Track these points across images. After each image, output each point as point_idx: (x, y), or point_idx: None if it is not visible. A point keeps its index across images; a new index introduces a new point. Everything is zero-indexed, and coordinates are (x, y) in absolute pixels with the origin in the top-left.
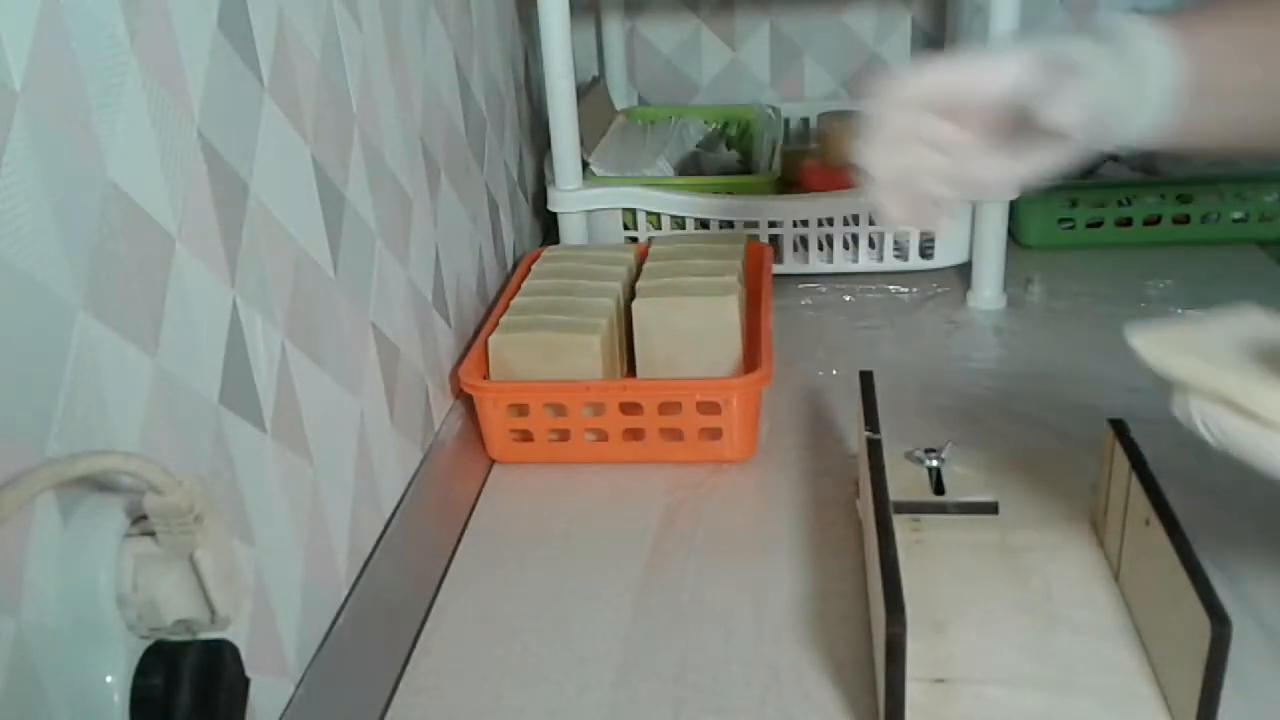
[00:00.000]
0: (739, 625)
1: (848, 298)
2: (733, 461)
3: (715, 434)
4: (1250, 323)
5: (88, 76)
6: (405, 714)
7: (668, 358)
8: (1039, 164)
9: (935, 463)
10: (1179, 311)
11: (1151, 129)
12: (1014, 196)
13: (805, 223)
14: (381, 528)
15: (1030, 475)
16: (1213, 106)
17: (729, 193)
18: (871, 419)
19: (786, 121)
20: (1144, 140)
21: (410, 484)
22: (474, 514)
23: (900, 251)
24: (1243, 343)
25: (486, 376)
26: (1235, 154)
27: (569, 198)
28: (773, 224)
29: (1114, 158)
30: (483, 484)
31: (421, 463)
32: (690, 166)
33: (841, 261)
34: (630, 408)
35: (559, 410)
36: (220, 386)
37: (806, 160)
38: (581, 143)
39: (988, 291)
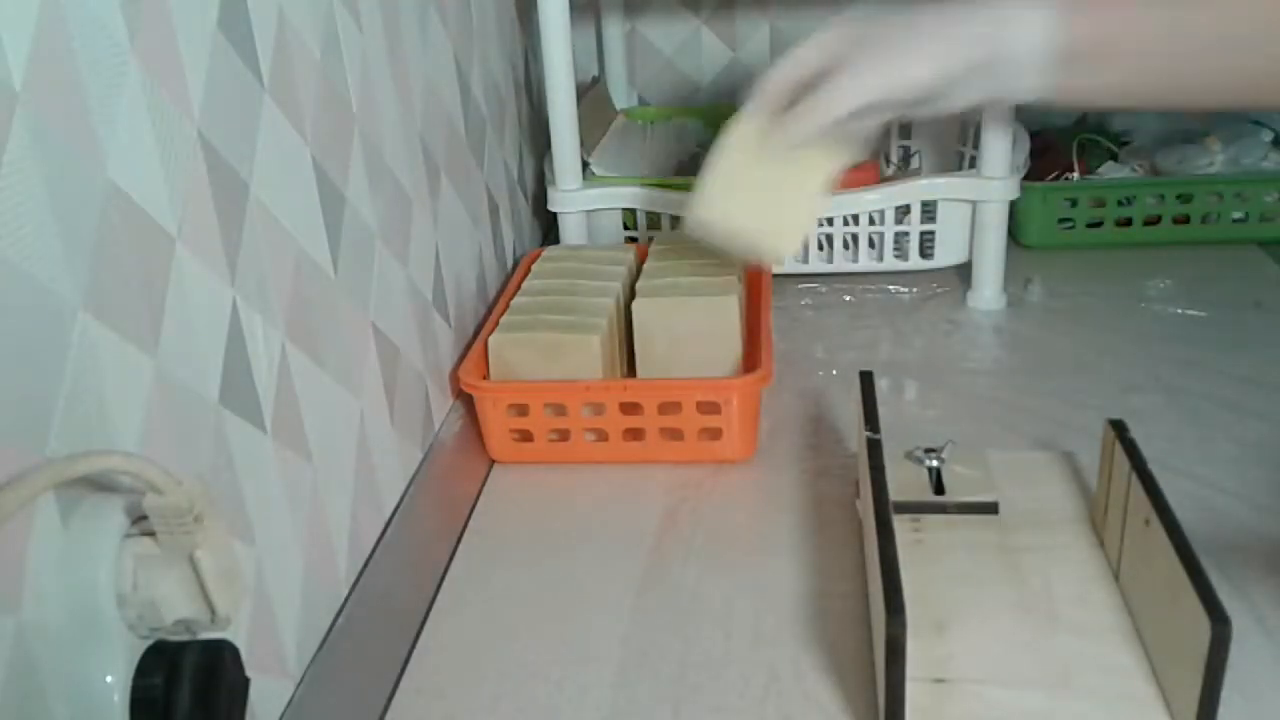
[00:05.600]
0: (739, 625)
1: (848, 298)
2: (733, 461)
3: (715, 434)
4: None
5: (88, 76)
6: (405, 714)
7: (668, 358)
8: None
9: (935, 463)
10: (1179, 311)
11: (1040, 89)
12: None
13: None
14: (381, 528)
15: (1030, 475)
16: (1099, 72)
17: None
18: (871, 419)
19: None
20: (1037, 96)
21: (410, 484)
22: (474, 514)
23: (900, 251)
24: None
25: (486, 376)
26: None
27: (569, 198)
28: None
29: (1113, 157)
30: (483, 484)
31: (421, 463)
32: (690, 166)
33: (841, 261)
34: (630, 408)
35: (559, 410)
36: (220, 386)
37: None
38: (581, 143)
39: (988, 291)
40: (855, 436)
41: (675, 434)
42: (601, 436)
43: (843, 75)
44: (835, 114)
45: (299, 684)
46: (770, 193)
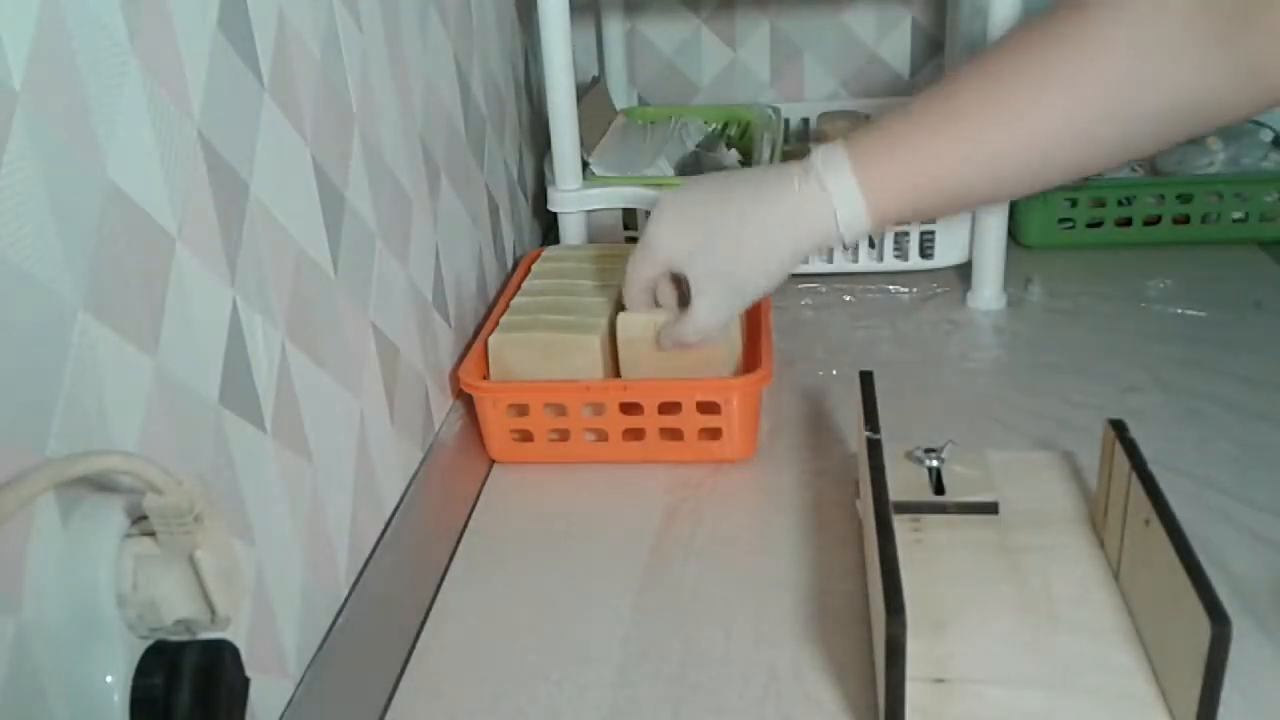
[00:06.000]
0: (739, 625)
1: (848, 298)
2: (733, 461)
3: (715, 434)
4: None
5: (88, 76)
6: (405, 714)
7: (667, 358)
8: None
9: (935, 463)
10: (1179, 311)
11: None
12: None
13: None
14: (381, 528)
15: (1030, 475)
16: (903, 215)
17: None
18: (871, 419)
19: (786, 121)
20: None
21: (410, 484)
22: (474, 514)
23: (900, 251)
24: None
25: (486, 376)
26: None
27: (569, 198)
28: None
29: None
30: (483, 484)
31: (421, 463)
32: (690, 166)
33: (841, 261)
34: (630, 408)
35: (559, 410)
36: (220, 386)
37: None
38: (581, 143)
39: (988, 291)
40: (855, 436)
41: (675, 434)
42: (601, 436)
43: (695, 307)
44: (700, 336)
45: (299, 684)
46: (681, 366)
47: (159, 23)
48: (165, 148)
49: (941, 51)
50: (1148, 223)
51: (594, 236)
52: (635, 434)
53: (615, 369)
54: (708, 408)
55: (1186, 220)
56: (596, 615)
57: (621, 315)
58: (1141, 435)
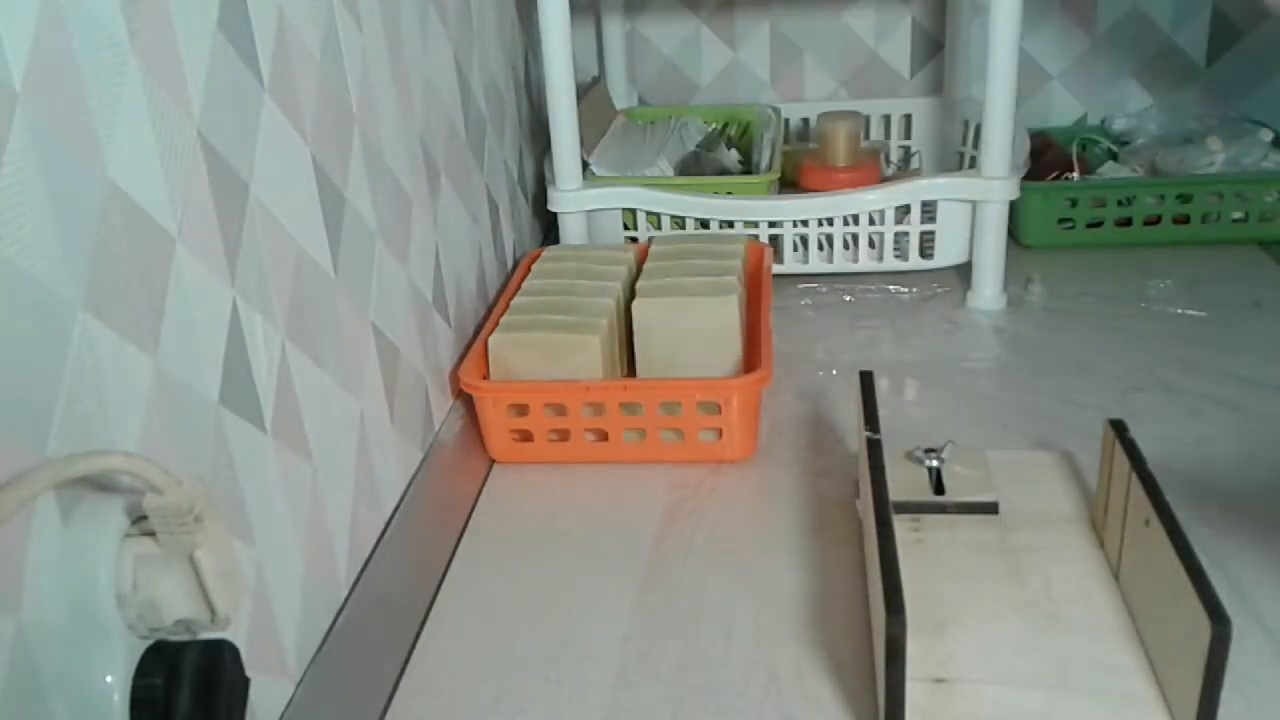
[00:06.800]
0: (739, 625)
1: (848, 298)
2: (733, 461)
3: (715, 434)
4: None
5: (88, 76)
6: (405, 714)
7: (668, 358)
8: None
9: (935, 463)
10: (1179, 311)
11: None
12: None
13: (805, 223)
14: (381, 528)
15: (1030, 475)
16: None
17: (729, 193)
18: (871, 419)
19: (786, 121)
20: None
21: (410, 484)
22: (474, 514)
23: (900, 251)
24: None
25: (486, 376)
26: None
27: (569, 198)
28: (773, 224)
29: (1113, 157)
30: (483, 484)
31: (421, 463)
32: (690, 166)
33: (841, 261)
34: (630, 408)
35: (559, 410)
36: (220, 386)
37: (806, 160)
38: (581, 143)
39: (988, 291)
40: (855, 436)
41: (675, 434)
42: (601, 436)
43: None
44: None
45: (299, 684)
46: (690, 344)
47: (159, 23)
48: (165, 148)
49: (941, 51)
50: (1148, 223)
51: (594, 236)
52: (635, 434)
53: (615, 368)
54: (708, 408)
55: (1186, 220)
56: (596, 615)
57: (637, 301)
58: (1141, 435)
